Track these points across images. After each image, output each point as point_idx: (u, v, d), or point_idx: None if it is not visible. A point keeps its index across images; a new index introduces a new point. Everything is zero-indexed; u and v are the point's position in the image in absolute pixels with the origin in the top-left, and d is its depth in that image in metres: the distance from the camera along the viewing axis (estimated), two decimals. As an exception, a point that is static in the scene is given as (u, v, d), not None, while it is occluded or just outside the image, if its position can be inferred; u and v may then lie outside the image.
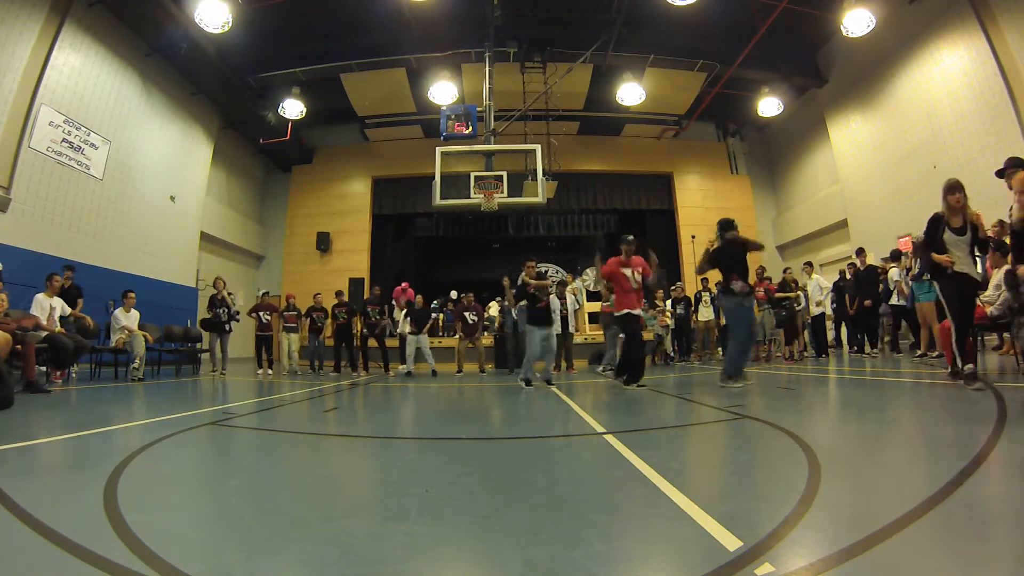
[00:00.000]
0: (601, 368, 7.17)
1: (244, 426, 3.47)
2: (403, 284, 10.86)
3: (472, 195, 10.06)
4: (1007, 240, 4.93)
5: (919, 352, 7.13)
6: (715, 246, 5.33)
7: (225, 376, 8.32)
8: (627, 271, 5.58)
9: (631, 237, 5.78)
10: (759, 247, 5.38)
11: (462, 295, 10.24)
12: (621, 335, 6.49)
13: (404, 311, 9.76)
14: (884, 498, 1.61)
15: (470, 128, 10.13)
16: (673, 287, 10.83)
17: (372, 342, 9.53)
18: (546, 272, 9.74)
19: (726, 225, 5.21)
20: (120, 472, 1.99)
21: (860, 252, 9.17)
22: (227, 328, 8.83)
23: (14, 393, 4.08)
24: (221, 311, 8.80)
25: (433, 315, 9.82)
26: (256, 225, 14.72)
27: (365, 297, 11.31)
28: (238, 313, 9.17)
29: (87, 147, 8.48)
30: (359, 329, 9.78)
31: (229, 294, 9.26)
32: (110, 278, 8.60)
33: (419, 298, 9.62)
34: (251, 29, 9.69)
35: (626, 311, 5.56)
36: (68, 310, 6.59)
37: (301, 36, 10.87)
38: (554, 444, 2.90)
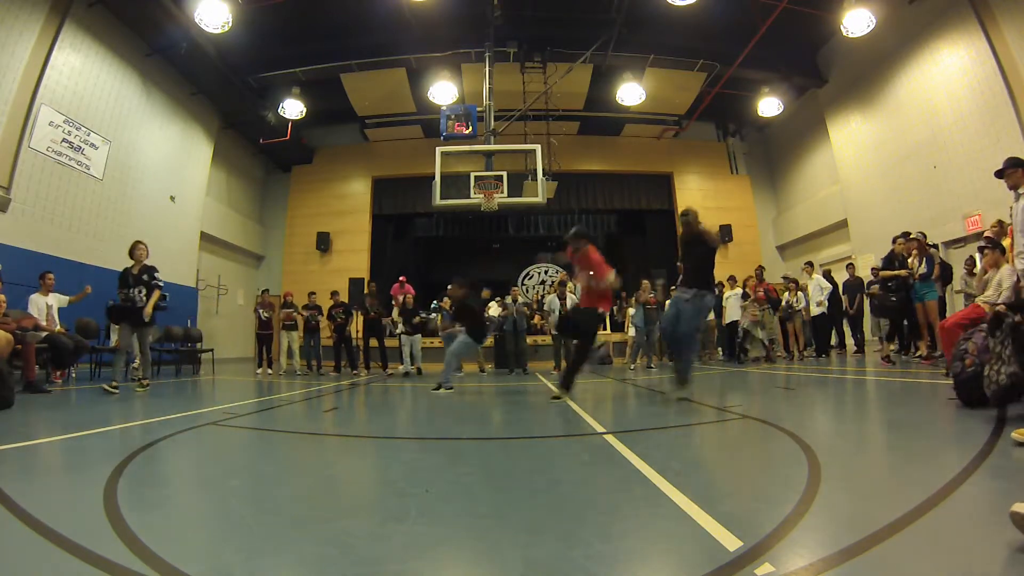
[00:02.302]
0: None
1: (244, 426, 3.47)
2: (401, 279, 10.72)
3: (472, 195, 10.06)
4: (1006, 242, 4.93)
5: (919, 352, 7.13)
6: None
7: (144, 389, 5.49)
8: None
9: (573, 231, 4.96)
10: (715, 241, 4.56)
11: None
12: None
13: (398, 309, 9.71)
14: (884, 498, 1.61)
15: (470, 128, 10.13)
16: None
17: (373, 342, 9.50)
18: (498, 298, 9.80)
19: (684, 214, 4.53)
20: (120, 472, 1.99)
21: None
22: (146, 320, 5.58)
23: (14, 393, 4.08)
24: (136, 292, 5.55)
25: (433, 315, 9.74)
26: (256, 225, 14.72)
27: (365, 292, 11.16)
28: (166, 297, 6.20)
29: (87, 147, 8.48)
30: (359, 328, 9.73)
31: (153, 276, 5.69)
32: (110, 278, 8.57)
33: (408, 298, 9.51)
34: (251, 29, 9.69)
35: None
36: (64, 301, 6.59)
37: (301, 36, 10.87)
38: (554, 444, 2.90)
